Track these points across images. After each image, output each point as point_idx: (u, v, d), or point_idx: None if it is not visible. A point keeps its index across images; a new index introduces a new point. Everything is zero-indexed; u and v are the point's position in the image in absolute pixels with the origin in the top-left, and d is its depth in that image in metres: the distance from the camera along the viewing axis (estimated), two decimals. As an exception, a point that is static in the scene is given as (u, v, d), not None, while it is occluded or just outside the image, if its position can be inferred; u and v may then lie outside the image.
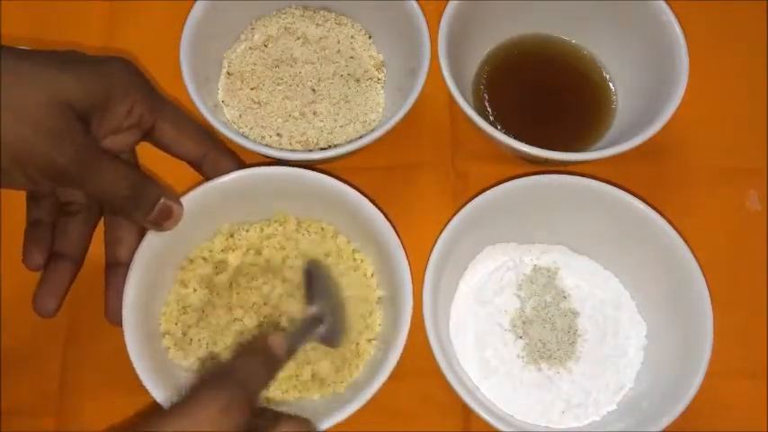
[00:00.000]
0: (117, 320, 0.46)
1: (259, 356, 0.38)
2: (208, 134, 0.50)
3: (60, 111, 0.40)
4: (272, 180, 0.51)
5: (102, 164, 0.43)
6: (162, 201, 0.46)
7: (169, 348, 0.50)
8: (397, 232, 0.50)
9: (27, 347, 0.53)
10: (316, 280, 0.49)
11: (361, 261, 0.53)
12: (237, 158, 0.51)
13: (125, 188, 0.44)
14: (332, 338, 0.48)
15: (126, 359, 0.46)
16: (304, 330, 0.45)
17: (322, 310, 0.47)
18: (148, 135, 0.47)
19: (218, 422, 0.33)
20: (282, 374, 0.48)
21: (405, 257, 0.49)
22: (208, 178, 0.50)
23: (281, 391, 0.49)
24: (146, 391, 0.45)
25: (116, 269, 0.48)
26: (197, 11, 0.55)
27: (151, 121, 0.46)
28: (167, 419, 0.33)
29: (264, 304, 0.50)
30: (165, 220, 0.46)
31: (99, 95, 0.42)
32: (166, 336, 0.50)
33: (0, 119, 0.38)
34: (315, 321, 0.46)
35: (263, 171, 0.51)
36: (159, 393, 0.45)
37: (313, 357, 0.49)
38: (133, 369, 0.45)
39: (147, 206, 0.45)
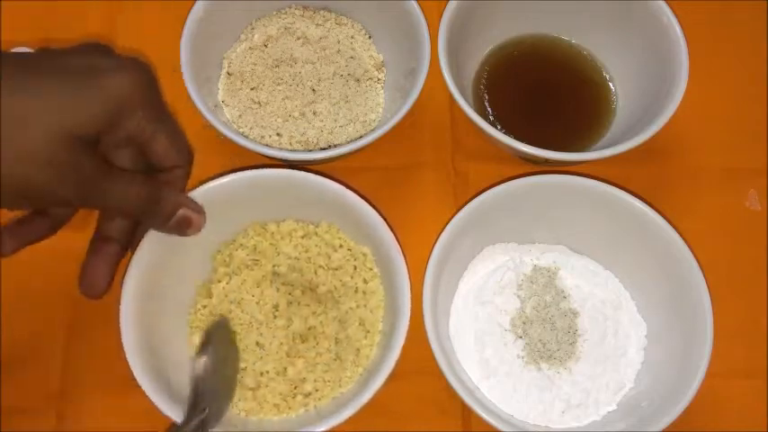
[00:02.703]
0: (91, 292, 0.45)
1: None
2: (191, 150, 0.48)
3: (64, 144, 0.39)
4: (270, 182, 0.51)
5: (112, 185, 0.42)
6: (181, 212, 0.46)
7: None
8: (395, 233, 0.50)
9: (27, 347, 0.53)
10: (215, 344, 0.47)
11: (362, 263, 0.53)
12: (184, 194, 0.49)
13: (140, 205, 0.43)
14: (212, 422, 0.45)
15: (126, 359, 0.46)
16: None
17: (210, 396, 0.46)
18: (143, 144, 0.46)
19: None
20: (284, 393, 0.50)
21: (403, 260, 0.49)
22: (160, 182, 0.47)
23: (287, 407, 0.49)
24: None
25: (102, 243, 0.46)
26: (197, 11, 0.55)
27: (151, 131, 0.45)
28: None
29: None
30: (186, 228, 0.47)
31: (105, 120, 0.41)
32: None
33: (0, 159, 0.37)
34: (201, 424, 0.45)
35: (261, 173, 0.51)
36: (156, 395, 0.45)
37: (318, 370, 0.50)
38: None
39: (163, 217, 0.45)
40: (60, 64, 0.41)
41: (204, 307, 0.52)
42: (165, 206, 0.45)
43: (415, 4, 0.56)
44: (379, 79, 0.60)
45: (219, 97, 0.59)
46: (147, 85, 0.43)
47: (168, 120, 0.46)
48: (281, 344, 0.50)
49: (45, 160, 0.38)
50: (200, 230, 0.48)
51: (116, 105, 0.41)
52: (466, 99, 0.54)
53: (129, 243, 0.47)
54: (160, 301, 0.50)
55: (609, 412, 0.51)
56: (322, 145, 0.57)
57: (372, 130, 0.55)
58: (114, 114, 0.41)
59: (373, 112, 0.59)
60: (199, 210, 0.47)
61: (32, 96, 0.39)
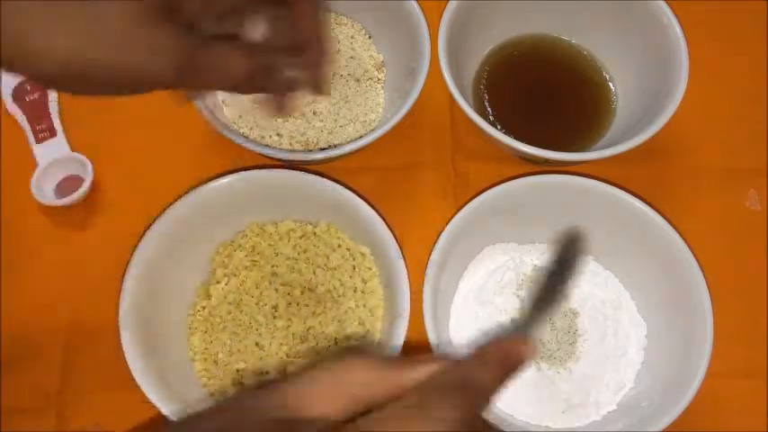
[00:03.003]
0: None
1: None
2: None
3: (140, 17, 0.34)
4: (269, 182, 0.51)
5: (208, 57, 0.36)
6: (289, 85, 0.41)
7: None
8: (395, 233, 0.50)
9: (27, 347, 0.53)
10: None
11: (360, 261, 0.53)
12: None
13: (240, 78, 0.38)
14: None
15: (125, 359, 0.46)
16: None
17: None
18: None
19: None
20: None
21: (402, 258, 0.49)
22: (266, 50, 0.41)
23: None
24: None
25: None
26: (197, 11, 0.55)
27: None
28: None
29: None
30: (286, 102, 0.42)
31: None
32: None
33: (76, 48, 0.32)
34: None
35: (261, 173, 0.51)
36: (155, 395, 0.45)
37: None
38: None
39: (275, 91, 0.41)
40: None
41: (203, 308, 0.52)
42: (275, 80, 0.40)
43: (414, 4, 0.56)
44: (379, 79, 0.60)
45: (219, 97, 0.59)
46: None
47: None
48: (281, 344, 0.50)
49: (127, 39, 0.33)
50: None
51: None
52: (466, 99, 0.54)
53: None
54: (159, 302, 0.50)
55: (609, 412, 0.51)
56: (322, 145, 0.57)
57: (372, 130, 0.55)
58: None
59: (373, 112, 0.59)
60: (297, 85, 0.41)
61: None
